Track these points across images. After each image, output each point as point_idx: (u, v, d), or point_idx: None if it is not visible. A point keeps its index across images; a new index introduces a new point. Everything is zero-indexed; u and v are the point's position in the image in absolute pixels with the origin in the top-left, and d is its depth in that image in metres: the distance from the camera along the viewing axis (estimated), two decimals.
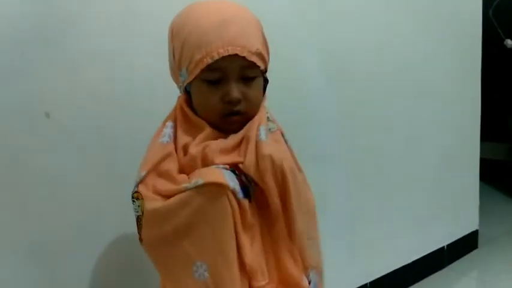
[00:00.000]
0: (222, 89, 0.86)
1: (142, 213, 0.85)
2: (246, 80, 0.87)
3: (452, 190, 2.09)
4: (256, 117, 0.89)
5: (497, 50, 2.81)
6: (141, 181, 0.87)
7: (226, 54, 0.82)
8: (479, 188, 2.24)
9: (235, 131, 0.89)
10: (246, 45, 0.84)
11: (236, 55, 0.83)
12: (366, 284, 1.78)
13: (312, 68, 1.54)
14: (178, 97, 0.94)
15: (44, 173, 1.07)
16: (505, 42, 2.81)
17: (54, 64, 1.06)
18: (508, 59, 2.88)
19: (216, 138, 0.87)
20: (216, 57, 0.82)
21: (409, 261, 1.93)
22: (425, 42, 1.88)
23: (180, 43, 0.86)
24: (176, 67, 0.90)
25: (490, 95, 2.34)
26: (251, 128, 0.87)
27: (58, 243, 1.10)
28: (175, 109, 0.93)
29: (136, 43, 1.16)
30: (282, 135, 0.97)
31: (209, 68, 0.83)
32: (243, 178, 0.84)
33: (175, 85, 0.96)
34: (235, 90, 0.85)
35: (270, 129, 0.94)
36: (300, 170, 0.96)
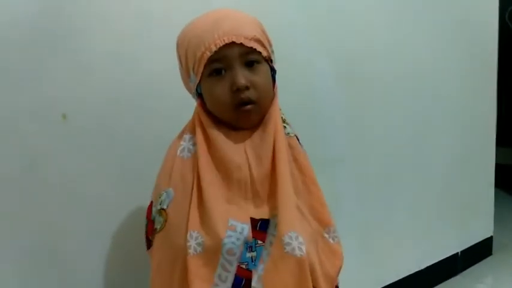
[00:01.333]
0: (228, 79, 0.86)
1: (161, 229, 0.88)
2: (250, 65, 0.87)
3: (467, 196, 2.07)
4: (271, 124, 0.90)
5: None
6: (172, 201, 0.88)
7: (222, 43, 0.84)
8: (494, 193, 2.21)
9: (254, 125, 0.89)
10: (242, 33, 0.85)
11: (233, 43, 0.84)
12: None
13: (323, 71, 1.53)
14: (196, 106, 0.94)
15: (61, 176, 1.08)
16: None
17: (68, 67, 1.07)
18: None
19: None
20: (214, 48, 0.84)
21: (422, 267, 1.91)
22: (441, 46, 1.86)
23: (184, 51, 0.89)
24: (186, 75, 0.92)
25: (505, 99, 2.31)
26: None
27: (73, 244, 1.10)
28: (193, 119, 0.93)
29: (148, 45, 1.17)
30: (297, 139, 0.98)
31: (211, 61, 0.85)
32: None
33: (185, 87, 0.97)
34: (241, 77, 0.86)
35: (288, 133, 0.95)
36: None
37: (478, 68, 2.05)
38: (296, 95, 1.43)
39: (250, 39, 0.86)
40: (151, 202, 0.94)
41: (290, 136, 0.95)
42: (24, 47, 1.02)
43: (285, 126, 0.95)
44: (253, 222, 0.85)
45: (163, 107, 1.18)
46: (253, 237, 0.84)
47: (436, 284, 1.97)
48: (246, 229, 0.84)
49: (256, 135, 0.90)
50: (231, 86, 0.86)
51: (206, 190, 0.85)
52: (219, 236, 0.82)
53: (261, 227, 0.85)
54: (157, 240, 0.90)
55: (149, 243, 0.93)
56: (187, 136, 0.92)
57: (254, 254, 0.84)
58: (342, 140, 1.61)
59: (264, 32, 0.91)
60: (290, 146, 0.94)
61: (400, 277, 1.83)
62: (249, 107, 0.87)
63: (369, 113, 1.67)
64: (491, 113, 2.14)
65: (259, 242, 0.85)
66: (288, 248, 0.83)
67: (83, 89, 1.09)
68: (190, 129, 0.93)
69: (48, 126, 1.05)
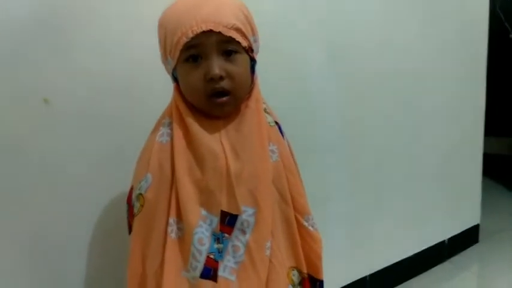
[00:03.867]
0: (204, 67, 0.85)
1: (138, 213, 0.90)
2: (228, 55, 0.86)
3: (455, 184, 2.09)
4: (253, 108, 0.90)
5: (503, 44, 2.78)
6: (150, 186, 0.88)
7: (200, 31, 0.82)
8: (482, 182, 2.23)
9: (227, 115, 0.89)
10: (221, 21, 0.83)
11: (211, 31, 0.82)
12: (366, 277, 1.79)
13: (315, 65, 1.53)
14: (173, 89, 0.94)
15: (43, 162, 1.07)
16: (511, 36, 2.78)
17: (53, 54, 1.06)
18: None
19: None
20: (191, 35, 0.82)
21: (409, 254, 1.93)
22: (430, 36, 1.87)
23: (163, 32, 0.87)
24: (164, 57, 0.91)
25: (494, 89, 2.32)
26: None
27: (56, 233, 1.11)
28: (171, 103, 0.93)
29: (136, 35, 1.16)
30: (279, 128, 0.98)
31: (187, 47, 0.83)
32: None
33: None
34: (216, 67, 0.84)
35: (268, 123, 0.94)
36: (295, 162, 0.99)
37: (468, 58, 2.05)
38: (287, 84, 1.43)
39: (230, 28, 0.83)
40: (132, 187, 0.94)
41: (270, 126, 0.95)
42: (5, 33, 1.00)
43: (266, 116, 0.95)
44: (223, 215, 0.86)
45: (147, 91, 1.18)
46: (220, 230, 0.86)
47: (423, 271, 2.00)
48: (215, 221, 0.86)
49: (232, 127, 0.89)
50: (205, 74, 0.84)
51: (180, 179, 0.85)
52: (191, 224, 0.84)
53: (229, 222, 0.86)
54: (135, 224, 0.91)
55: (130, 228, 0.94)
56: (166, 121, 0.91)
57: (221, 246, 0.86)
58: (333, 130, 1.61)
59: (247, 18, 0.88)
60: (269, 137, 0.93)
61: (388, 264, 1.85)
62: (223, 99, 0.86)
63: (360, 103, 1.68)
64: (480, 103, 2.16)
65: (226, 235, 0.86)
66: (268, 252, 0.88)
67: (65, 73, 1.08)
68: (169, 113, 0.92)
69: (29, 111, 1.05)
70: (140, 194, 0.89)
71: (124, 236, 1.15)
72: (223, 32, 0.83)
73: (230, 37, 0.83)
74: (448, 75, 1.97)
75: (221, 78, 0.85)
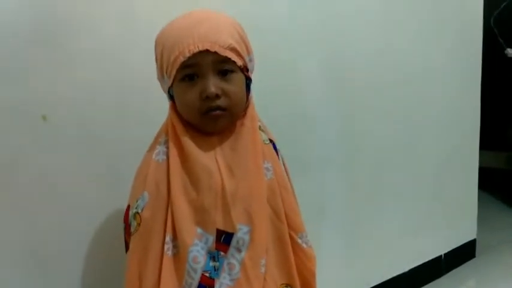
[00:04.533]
0: (200, 86, 0.86)
1: (134, 232, 0.90)
2: (224, 75, 0.87)
3: (451, 198, 2.09)
4: (248, 126, 0.91)
5: (497, 59, 2.81)
6: (146, 204, 0.88)
7: (196, 50, 0.83)
8: (478, 196, 2.23)
9: (221, 130, 0.89)
10: (217, 41, 0.84)
11: (208, 51, 0.83)
12: None
13: (312, 73, 1.54)
14: (169, 107, 0.94)
15: (41, 175, 1.06)
16: (505, 52, 2.80)
17: (52, 65, 1.06)
18: (508, 68, 2.87)
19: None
20: (188, 54, 0.83)
21: (407, 269, 1.92)
22: (426, 50, 1.88)
23: (160, 50, 0.88)
24: (160, 75, 0.91)
25: (489, 103, 2.33)
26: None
27: (52, 244, 1.09)
28: (167, 120, 0.94)
29: (134, 45, 1.16)
30: (274, 146, 0.98)
31: (183, 66, 0.84)
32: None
33: None
34: (212, 85, 0.85)
35: (263, 141, 0.95)
36: (289, 180, 0.99)
37: (463, 72, 2.07)
38: (284, 94, 1.43)
39: (226, 48, 0.84)
40: (129, 205, 0.94)
41: (265, 143, 0.96)
42: (5, 45, 1.00)
43: (261, 134, 0.95)
44: (219, 233, 0.86)
45: (145, 107, 1.18)
46: (216, 249, 0.86)
47: (420, 286, 1.98)
48: (211, 240, 0.86)
49: (227, 144, 0.90)
50: (201, 93, 0.85)
51: (175, 199, 0.86)
52: (186, 243, 0.84)
53: (224, 240, 0.86)
54: (132, 243, 0.91)
55: (127, 246, 0.94)
56: (162, 139, 0.92)
57: (217, 263, 0.86)
58: (330, 141, 1.61)
59: (242, 38, 0.89)
60: (264, 154, 0.93)
61: (385, 279, 1.84)
62: (217, 112, 0.87)
63: (357, 115, 1.68)
64: (475, 117, 2.17)
65: (222, 253, 0.86)
66: (263, 269, 0.88)
67: (64, 87, 1.08)
68: (165, 131, 0.92)
69: (28, 125, 1.04)
70: (137, 212, 0.89)
71: (119, 252, 1.14)
72: (219, 52, 0.84)
73: (226, 57, 0.85)
74: (443, 89, 1.98)
75: (217, 96, 0.85)
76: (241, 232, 0.87)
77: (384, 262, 1.84)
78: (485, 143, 2.26)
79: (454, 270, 2.12)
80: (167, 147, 0.90)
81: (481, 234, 2.26)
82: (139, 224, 0.88)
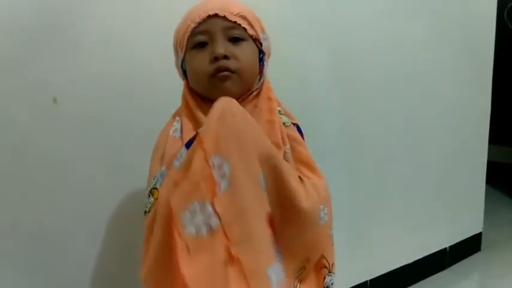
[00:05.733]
0: (209, 50, 0.87)
1: (149, 211, 0.87)
2: (234, 41, 0.88)
3: (458, 191, 2.08)
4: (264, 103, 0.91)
5: (510, 52, 2.77)
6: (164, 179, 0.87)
7: (206, 15, 0.86)
8: (485, 190, 2.22)
9: (229, 93, 0.87)
10: (227, 8, 0.87)
11: (217, 15, 0.86)
12: (366, 282, 1.78)
13: (318, 68, 1.53)
14: (183, 86, 0.95)
15: (48, 160, 1.08)
16: None
17: (60, 51, 1.06)
18: None
19: None
20: (198, 20, 0.86)
21: (411, 261, 1.92)
22: (436, 42, 1.86)
23: (175, 35, 0.92)
24: (176, 56, 0.93)
25: (500, 97, 2.31)
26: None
27: (59, 231, 1.11)
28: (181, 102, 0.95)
29: (142, 34, 1.16)
30: (299, 129, 0.98)
31: (194, 33, 0.87)
32: None
33: (177, 79, 0.97)
34: (221, 46, 0.86)
35: (284, 123, 0.94)
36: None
37: (474, 66, 2.05)
38: (287, 85, 1.42)
39: (235, 15, 0.87)
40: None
41: (286, 125, 0.95)
42: (15, 31, 1.01)
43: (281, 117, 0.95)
44: None
45: (154, 93, 1.18)
46: None
47: (424, 278, 1.99)
48: None
49: None
50: (211, 55, 0.86)
51: None
52: None
53: None
54: (147, 220, 0.88)
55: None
56: (179, 118, 0.92)
57: None
58: (334, 132, 1.61)
59: (254, 15, 0.91)
60: (284, 136, 0.93)
61: (388, 270, 1.84)
62: (225, 73, 0.87)
63: (362, 107, 1.67)
64: (485, 111, 2.15)
65: None
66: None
67: (74, 73, 1.08)
68: (181, 110, 0.93)
69: (38, 110, 1.05)
70: (155, 188, 0.88)
71: (125, 235, 1.15)
72: (228, 17, 0.86)
73: (236, 23, 0.87)
74: (453, 81, 1.97)
75: (226, 57, 0.86)
76: None
77: (388, 253, 1.84)
78: (494, 137, 2.24)
79: (458, 264, 2.12)
80: (180, 125, 0.91)
81: (487, 228, 2.25)
82: (156, 199, 0.87)
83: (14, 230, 1.05)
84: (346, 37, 1.58)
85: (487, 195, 2.24)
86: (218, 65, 0.86)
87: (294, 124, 0.97)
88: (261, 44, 0.92)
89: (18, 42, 1.02)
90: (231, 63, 0.86)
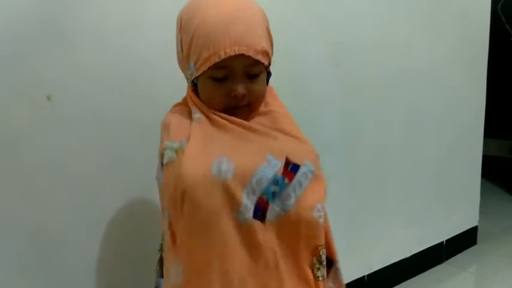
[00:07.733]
0: (228, 86, 0.88)
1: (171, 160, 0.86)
2: (251, 77, 0.89)
3: (454, 185, 2.09)
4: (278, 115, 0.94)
5: (504, 46, 2.78)
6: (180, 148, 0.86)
7: (232, 54, 0.84)
8: (481, 184, 2.24)
9: (239, 117, 0.91)
10: (253, 45, 0.85)
11: (242, 54, 0.84)
12: (364, 277, 1.79)
13: (317, 62, 1.54)
14: (187, 87, 0.94)
15: (44, 157, 1.07)
16: None
17: (55, 47, 1.06)
18: None
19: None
20: (223, 56, 0.84)
21: (408, 254, 1.93)
22: (431, 38, 1.87)
23: (188, 37, 0.87)
24: (184, 59, 0.91)
25: (495, 91, 2.32)
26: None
27: (57, 228, 1.10)
28: (185, 98, 0.95)
29: (139, 27, 1.15)
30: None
31: (216, 66, 0.85)
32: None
33: (176, 72, 0.96)
34: (241, 87, 0.88)
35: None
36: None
37: (468, 60, 2.06)
38: (287, 79, 1.42)
39: (259, 52, 0.86)
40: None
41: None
42: (11, 27, 1.00)
43: None
44: (287, 162, 0.88)
45: (150, 88, 1.18)
46: (282, 175, 0.87)
47: (421, 272, 2.00)
48: (278, 165, 0.87)
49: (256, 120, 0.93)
50: (229, 91, 0.88)
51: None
52: (254, 164, 0.85)
53: (292, 169, 0.88)
54: (167, 173, 0.87)
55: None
56: (194, 108, 0.91)
57: (278, 188, 0.86)
58: (333, 126, 1.62)
59: (269, 33, 0.91)
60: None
61: (386, 264, 1.85)
62: (242, 109, 0.91)
63: (359, 103, 1.68)
64: (480, 105, 2.16)
65: (286, 180, 0.87)
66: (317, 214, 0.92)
67: (69, 69, 1.08)
68: (190, 104, 0.93)
69: (33, 106, 1.04)
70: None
71: (125, 234, 1.15)
72: (253, 56, 0.85)
73: (257, 60, 0.87)
74: (448, 76, 1.97)
75: (244, 96, 0.89)
76: (306, 167, 0.89)
77: (385, 247, 1.85)
78: (489, 131, 2.25)
79: (455, 257, 2.14)
80: (201, 113, 0.90)
81: (483, 222, 2.27)
82: (178, 155, 0.85)
83: (10, 229, 1.04)
84: (345, 30, 1.58)
85: (483, 188, 2.26)
86: (236, 103, 0.89)
87: None
88: (269, 64, 0.93)
89: (14, 38, 1.01)
90: (246, 99, 0.90)
